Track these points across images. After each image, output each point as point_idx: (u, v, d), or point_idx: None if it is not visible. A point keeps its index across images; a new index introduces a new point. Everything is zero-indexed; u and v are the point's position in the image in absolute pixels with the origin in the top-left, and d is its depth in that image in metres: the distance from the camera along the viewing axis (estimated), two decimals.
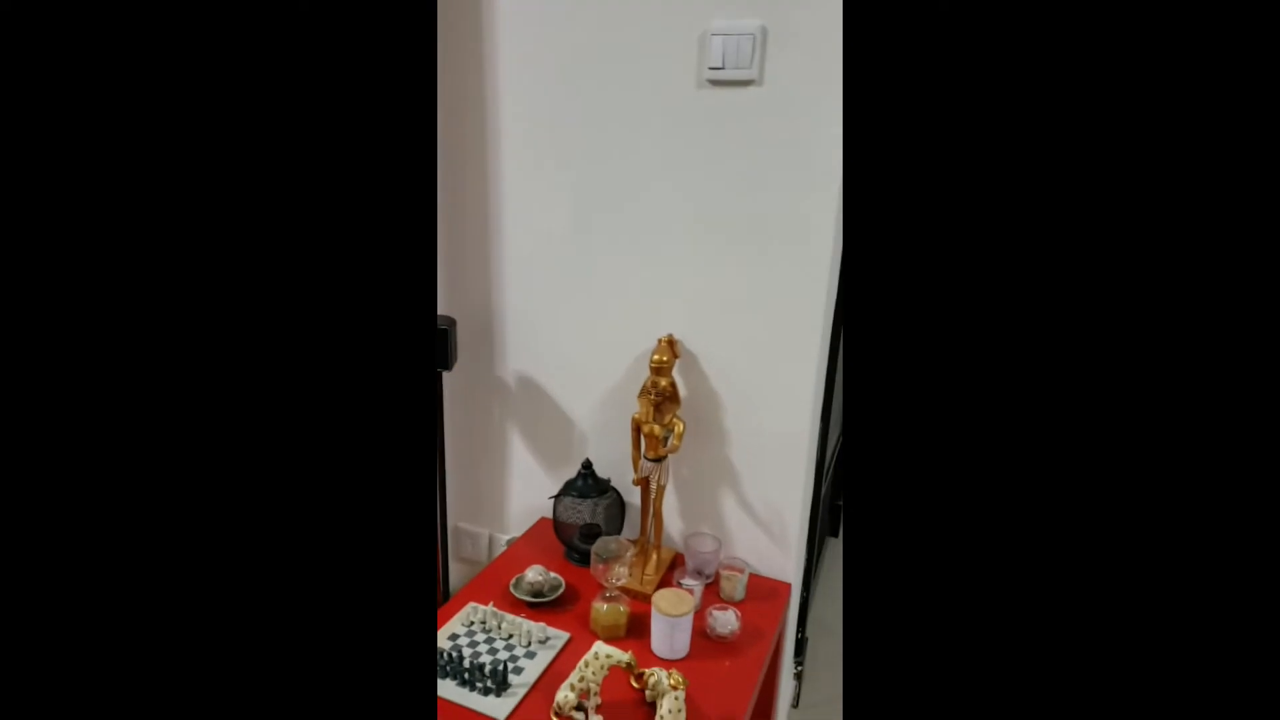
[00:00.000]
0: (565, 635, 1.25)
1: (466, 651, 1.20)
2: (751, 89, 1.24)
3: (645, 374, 1.36)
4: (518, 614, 1.29)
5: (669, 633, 1.19)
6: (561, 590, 1.35)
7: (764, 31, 1.20)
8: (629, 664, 1.08)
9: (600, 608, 1.25)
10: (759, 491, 1.45)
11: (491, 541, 1.81)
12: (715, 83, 1.26)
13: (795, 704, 1.80)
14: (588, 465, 1.47)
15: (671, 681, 1.06)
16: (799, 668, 1.79)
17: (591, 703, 1.07)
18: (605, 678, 1.09)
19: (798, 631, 1.73)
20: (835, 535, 2.58)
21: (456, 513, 1.83)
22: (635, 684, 1.14)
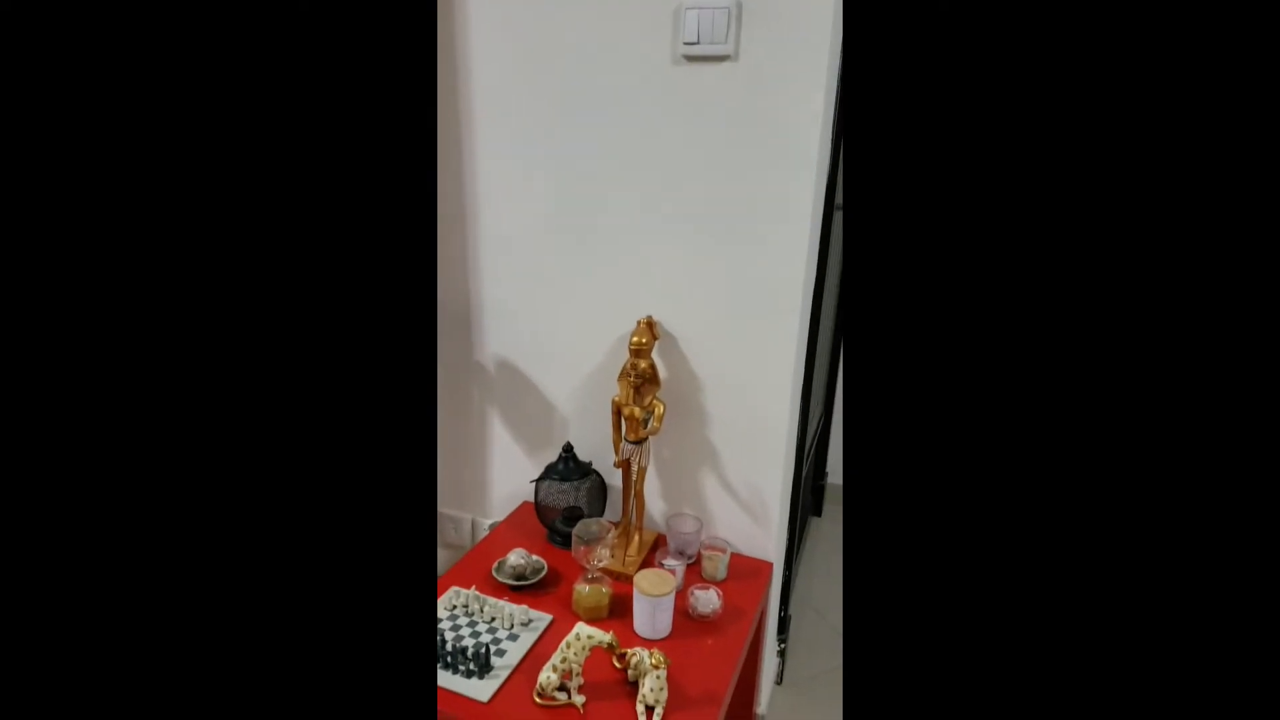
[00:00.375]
0: (548, 617, 1.25)
1: (449, 635, 1.20)
2: (726, 64, 1.22)
3: (625, 356, 1.36)
4: (500, 597, 1.28)
5: (651, 613, 1.20)
6: (544, 573, 1.35)
7: (738, 5, 1.18)
8: (611, 644, 1.08)
9: (582, 589, 1.25)
10: (740, 472, 1.45)
11: (474, 526, 1.80)
12: (690, 58, 1.24)
13: (779, 681, 1.82)
14: (569, 448, 1.46)
15: (653, 661, 1.06)
16: (782, 645, 1.81)
17: (574, 683, 1.08)
18: (587, 658, 1.09)
19: (780, 610, 1.74)
20: (818, 514, 2.60)
21: (439, 498, 1.82)
22: (617, 664, 1.14)
